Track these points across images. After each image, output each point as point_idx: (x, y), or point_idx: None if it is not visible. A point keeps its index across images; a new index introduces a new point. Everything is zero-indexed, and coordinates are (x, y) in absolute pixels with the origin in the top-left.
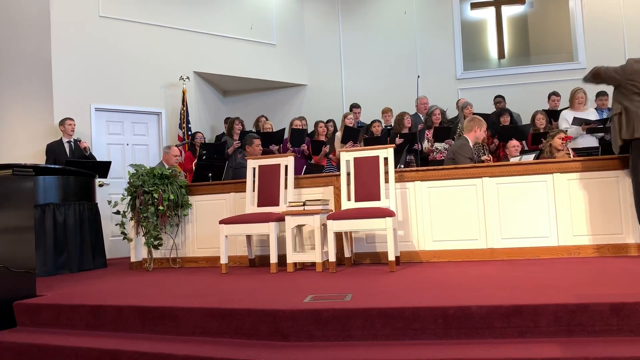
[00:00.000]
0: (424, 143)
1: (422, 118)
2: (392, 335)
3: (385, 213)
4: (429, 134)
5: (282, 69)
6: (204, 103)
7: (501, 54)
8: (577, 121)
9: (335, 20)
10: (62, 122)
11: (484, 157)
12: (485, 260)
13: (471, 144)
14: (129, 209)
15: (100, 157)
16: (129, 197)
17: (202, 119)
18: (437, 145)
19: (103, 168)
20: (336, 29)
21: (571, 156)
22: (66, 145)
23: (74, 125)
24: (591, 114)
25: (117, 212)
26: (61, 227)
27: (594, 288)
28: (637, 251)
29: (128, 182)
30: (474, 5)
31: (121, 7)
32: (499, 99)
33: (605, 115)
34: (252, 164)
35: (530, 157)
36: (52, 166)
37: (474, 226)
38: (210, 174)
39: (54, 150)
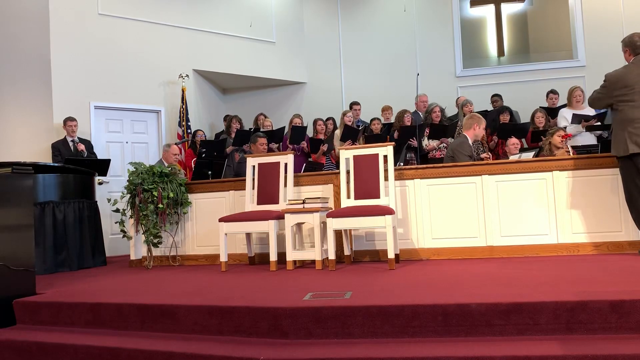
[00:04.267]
0: (424, 141)
1: (422, 116)
2: (392, 333)
3: (384, 211)
4: (427, 131)
5: (281, 66)
6: (204, 101)
7: (501, 52)
8: (576, 118)
9: (334, 17)
10: (64, 122)
11: (483, 155)
12: (485, 257)
13: (470, 142)
14: (129, 207)
15: (99, 155)
16: (129, 195)
17: (202, 116)
18: (432, 142)
19: (102, 166)
20: (336, 26)
21: (570, 154)
22: (70, 144)
23: (75, 126)
24: (589, 112)
25: (117, 210)
26: (61, 225)
27: (594, 285)
28: (636, 249)
29: (127, 180)
30: (473, 3)
31: (120, 5)
32: (495, 98)
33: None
34: (252, 162)
35: (529, 155)
36: (52, 164)
37: (473, 224)
38: (209, 172)
39: (59, 148)
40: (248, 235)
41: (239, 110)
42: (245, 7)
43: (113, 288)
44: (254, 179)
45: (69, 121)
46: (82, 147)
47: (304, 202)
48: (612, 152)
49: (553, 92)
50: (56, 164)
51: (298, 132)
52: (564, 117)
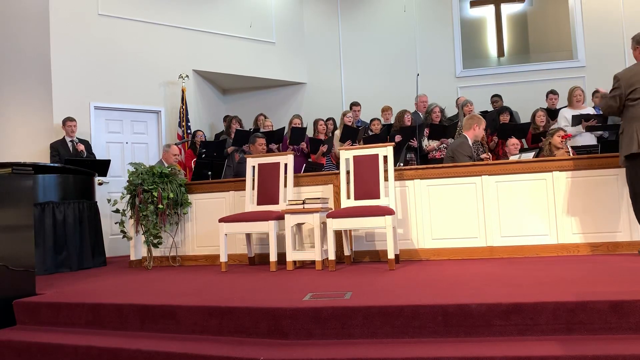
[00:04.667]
0: (423, 141)
1: (422, 116)
2: (392, 334)
3: (384, 211)
4: (427, 131)
5: (281, 67)
6: (203, 101)
7: (501, 52)
8: (575, 119)
9: (334, 18)
10: (63, 123)
11: (483, 155)
12: (485, 258)
13: (470, 142)
14: (129, 208)
15: (99, 155)
16: (129, 196)
17: (202, 117)
18: (433, 143)
19: (102, 166)
20: (336, 26)
21: (570, 154)
22: (69, 144)
23: (75, 126)
24: (589, 112)
25: (117, 211)
26: (61, 226)
27: (593, 286)
28: (635, 249)
29: (127, 181)
30: (473, 3)
31: (120, 5)
32: (495, 98)
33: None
34: (252, 162)
35: (529, 155)
36: (52, 164)
37: (473, 224)
38: (209, 173)
39: (57, 148)
40: (248, 235)
41: (239, 110)
42: (245, 7)
43: (113, 288)
44: (254, 180)
45: (68, 121)
46: (81, 147)
47: (304, 203)
48: (621, 152)
49: (552, 92)
50: (56, 165)
51: (297, 133)
52: (564, 117)
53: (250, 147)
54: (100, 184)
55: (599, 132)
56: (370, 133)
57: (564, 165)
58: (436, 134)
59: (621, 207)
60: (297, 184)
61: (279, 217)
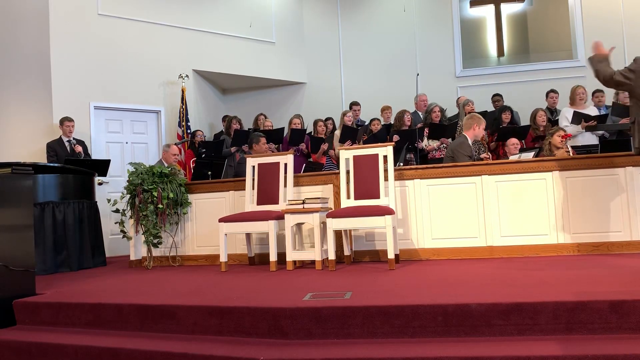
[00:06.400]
0: (423, 142)
1: (422, 116)
2: (392, 333)
3: (384, 211)
4: (427, 131)
5: (281, 67)
6: (203, 101)
7: (500, 52)
8: (576, 117)
9: (334, 17)
10: (61, 122)
11: (483, 155)
12: (485, 258)
13: (470, 142)
14: (129, 208)
15: (99, 155)
16: (129, 196)
17: (201, 117)
18: (433, 143)
19: (102, 166)
20: (335, 26)
21: (570, 154)
22: (67, 144)
23: (72, 127)
24: (591, 111)
25: (117, 211)
26: (61, 226)
27: (593, 286)
28: (636, 249)
29: (127, 181)
30: (473, 3)
31: (120, 5)
32: (497, 97)
33: (603, 112)
34: (252, 162)
35: (529, 155)
36: (52, 164)
37: (473, 224)
38: (209, 172)
39: (55, 148)
40: (248, 235)
41: (238, 110)
42: (245, 7)
43: (113, 288)
44: (253, 179)
45: (66, 121)
46: (79, 148)
47: (303, 203)
48: (634, 142)
49: (553, 91)
50: (56, 164)
51: (297, 134)
52: (566, 116)
53: (254, 147)
54: (100, 183)
55: (600, 132)
56: (370, 133)
57: (564, 165)
58: (436, 133)
59: (621, 207)
60: (297, 183)
61: (279, 217)
